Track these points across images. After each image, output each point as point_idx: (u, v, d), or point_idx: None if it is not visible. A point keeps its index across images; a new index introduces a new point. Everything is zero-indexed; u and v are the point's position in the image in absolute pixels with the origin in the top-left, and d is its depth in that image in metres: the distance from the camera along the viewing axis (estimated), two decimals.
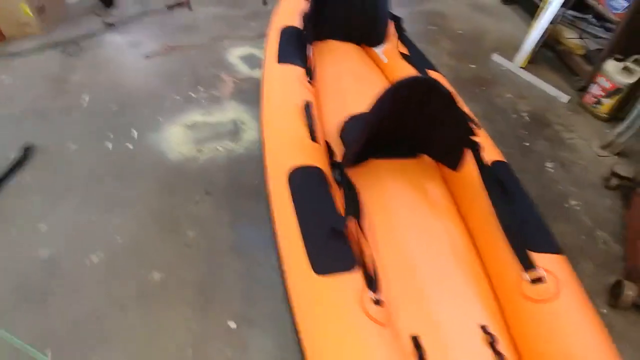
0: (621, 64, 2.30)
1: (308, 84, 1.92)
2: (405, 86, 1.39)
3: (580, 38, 2.65)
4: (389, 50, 2.39)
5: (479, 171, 1.48)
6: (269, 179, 1.53)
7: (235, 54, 2.96)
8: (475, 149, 1.55)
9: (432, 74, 2.10)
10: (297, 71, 1.93)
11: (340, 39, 2.64)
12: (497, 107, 2.54)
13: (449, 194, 1.78)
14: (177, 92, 2.57)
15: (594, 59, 2.54)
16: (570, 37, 2.66)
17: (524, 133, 2.37)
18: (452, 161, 1.67)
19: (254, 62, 2.89)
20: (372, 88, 2.20)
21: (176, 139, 2.25)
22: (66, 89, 2.58)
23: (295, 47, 2.10)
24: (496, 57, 2.97)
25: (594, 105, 2.48)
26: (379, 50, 2.49)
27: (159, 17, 3.39)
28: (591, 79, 2.49)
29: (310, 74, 1.91)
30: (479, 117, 1.67)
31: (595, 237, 1.86)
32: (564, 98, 2.61)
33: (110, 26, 3.23)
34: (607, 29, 2.52)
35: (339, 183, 1.39)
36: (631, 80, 2.26)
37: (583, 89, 2.63)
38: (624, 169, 2.01)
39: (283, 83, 1.90)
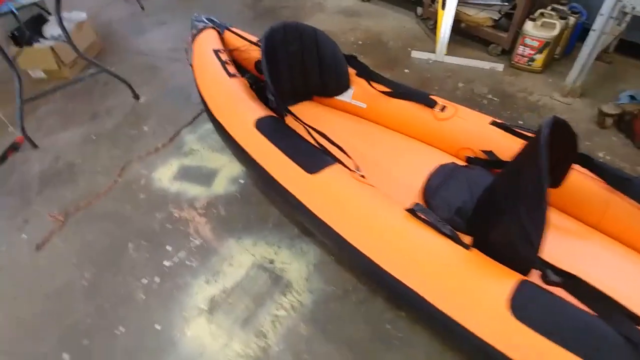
0: (537, 22, 2.55)
1: (365, 179, 1.50)
2: (551, 129, 1.16)
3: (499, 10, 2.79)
4: (362, 93, 2.08)
5: (600, 176, 1.49)
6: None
7: (166, 177, 2.16)
8: (589, 160, 1.48)
9: (437, 99, 1.91)
10: (343, 175, 1.47)
11: (293, 103, 2.23)
12: (463, 99, 2.53)
13: (564, 213, 1.67)
14: (139, 272, 1.72)
15: (505, 25, 2.76)
16: (469, 14, 2.82)
17: (509, 113, 2.43)
18: (556, 179, 1.56)
19: (198, 174, 2.17)
20: (382, 142, 1.96)
21: (213, 338, 1.49)
22: None
23: (307, 143, 1.61)
24: (416, 54, 2.96)
25: (528, 63, 2.71)
26: (346, 98, 2.17)
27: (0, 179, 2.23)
28: (513, 43, 2.71)
29: (355, 167, 1.54)
30: None
31: None
32: (500, 67, 2.78)
33: None
34: None
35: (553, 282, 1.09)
36: (555, 32, 2.52)
37: (503, 53, 2.86)
38: (611, 107, 2.24)
39: (348, 200, 1.42)
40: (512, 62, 2.77)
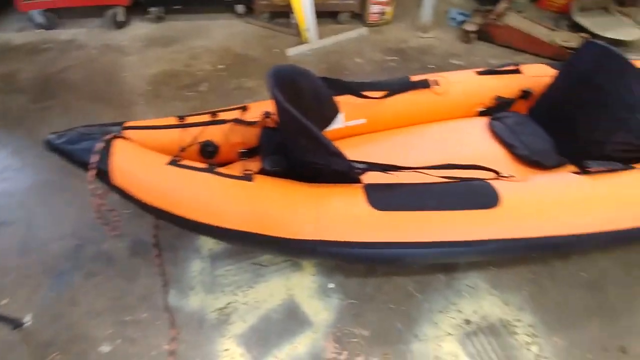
0: None
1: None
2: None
3: None
4: (354, 110, 1.81)
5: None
6: None
7: None
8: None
9: (423, 77, 1.90)
10: (515, 188, 1.39)
11: None
12: (376, 71, 2.55)
13: None
14: None
15: None
16: None
17: (416, 63, 2.64)
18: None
19: (278, 330, 1.47)
20: (424, 140, 1.81)
21: None
22: None
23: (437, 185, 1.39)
24: (293, 51, 2.69)
25: (382, 18, 2.93)
26: (340, 124, 1.89)
27: None
28: (364, 5, 2.87)
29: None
30: None
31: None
32: (364, 31, 2.89)
33: None
34: None
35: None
36: None
37: (352, 18, 2.98)
38: (471, 25, 2.77)
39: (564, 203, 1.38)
40: (369, 22, 2.93)
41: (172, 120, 1.62)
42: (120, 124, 1.55)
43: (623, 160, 1.49)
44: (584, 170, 1.43)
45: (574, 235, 1.35)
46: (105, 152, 1.37)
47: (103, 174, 1.37)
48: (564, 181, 1.41)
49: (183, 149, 1.52)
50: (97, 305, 1.53)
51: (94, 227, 1.64)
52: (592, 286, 1.57)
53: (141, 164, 1.36)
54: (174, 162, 1.36)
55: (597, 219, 1.36)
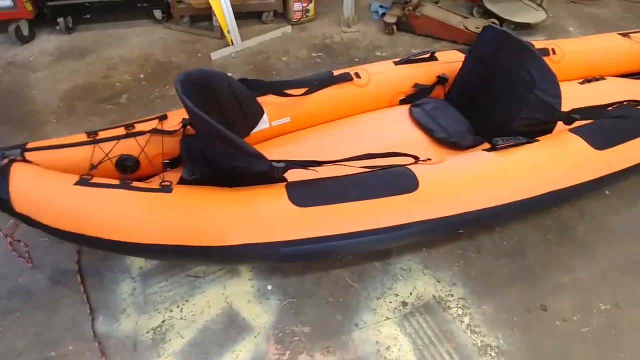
0: None
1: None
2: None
3: None
4: (277, 110, 1.80)
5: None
6: None
7: None
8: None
9: (345, 71, 1.95)
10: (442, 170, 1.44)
11: None
12: (304, 68, 2.56)
13: None
14: None
15: None
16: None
17: (341, 58, 2.69)
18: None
19: (220, 338, 1.43)
20: (349, 133, 1.83)
21: None
22: None
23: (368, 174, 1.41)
24: (217, 54, 2.63)
25: (305, 15, 2.93)
26: (265, 125, 1.87)
27: None
28: (286, 3, 2.85)
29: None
30: None
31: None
32: (289, 29, 2.88)
33: None
34: None
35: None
36: None
37: (275, 17, 2.96)
38: (390, 17, 2.85)
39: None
40: (293, 20, 2.93)
41: (81, 137, 1.52)
42: (20, 146, 1.44)
43: (530, 134, 1.60)
44: (493, 147, 1.53)
45: (488, 209, 1.43)
46: (2, 179, 1.27)
47: (3, 203, 1.26)
48: (475, 159, 1.50)
49: (94, 167, 1.43)
50: (18, 343, 1.41)
51: (6, 261, 1.53)
52: (513, 253, 1.68)
53: (45, 187, 1.27)
54: (83, 182, 1.28)
55: (507, 191, 1.45)
